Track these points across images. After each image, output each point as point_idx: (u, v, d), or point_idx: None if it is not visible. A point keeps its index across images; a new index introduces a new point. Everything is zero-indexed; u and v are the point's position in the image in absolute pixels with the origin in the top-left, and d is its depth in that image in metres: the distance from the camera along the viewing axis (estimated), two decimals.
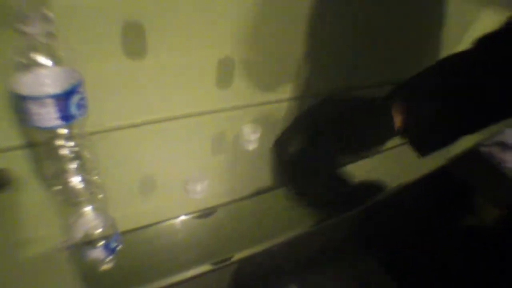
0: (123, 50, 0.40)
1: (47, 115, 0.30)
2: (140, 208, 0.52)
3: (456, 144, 0.81)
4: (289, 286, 0.97)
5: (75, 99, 0.31)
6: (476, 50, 0.41)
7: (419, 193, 0.77)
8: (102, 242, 0.41)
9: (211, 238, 0.51)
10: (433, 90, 0.41)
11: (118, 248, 0.44)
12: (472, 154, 0.83)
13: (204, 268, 0.48)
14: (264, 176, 0.60)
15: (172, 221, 0.53)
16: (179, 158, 0.52)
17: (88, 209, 0.40)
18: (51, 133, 0.34)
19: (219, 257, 0.49)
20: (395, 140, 0.75)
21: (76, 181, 0.37)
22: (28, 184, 0.40)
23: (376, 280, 1.06)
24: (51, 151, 0.36)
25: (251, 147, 0.50)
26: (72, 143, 0.35)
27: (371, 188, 0.65)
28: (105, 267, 0.43)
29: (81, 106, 0.32)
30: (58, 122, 0.31)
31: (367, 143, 0.45)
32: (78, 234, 0.40)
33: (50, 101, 0.30)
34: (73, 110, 0.31)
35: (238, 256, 0.50)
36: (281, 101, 0.56)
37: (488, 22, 0.71)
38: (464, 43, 0.46)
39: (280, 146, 0.53)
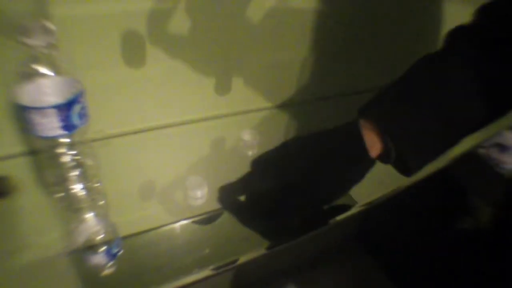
0: (123, 59, 0.41)
1: (49, 125, 0.30)
2: (140, 213, 0.52)
3: (455, 147, 0.82)
4: (289, 287, 0.97)
5: (76, 108, 0.32)
6: (448, 49, 0.37)
7: (418, 195, 0.77)
8: (103, 248, 0.41)
9: (211, 242, 0.52)
10: (409, 101, 0.35)
11: (119, 253, 0.44)
12: (470, 156, 0.83)
13: (205, 272, 0.48)
14: None
15: (171, 226, 0.53)
16: (179, 164, 0.52)
17: (89, 215, 0.40)
18: (53, 141, 0.34)
19: (219, 262, 0.49)
20: None
21: (77, 188, 0.37)
22: (30, 190, 0.41)
23: (374, 280, 1.07)
24: (53, 159, 0.36)
25: (251, 152, 0.50)
26: (73, 152, 0.35)
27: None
28: (106, 272, 0.43)
29: (82, 115, 0.33)
30: (60, 131, 0.31)
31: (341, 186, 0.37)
32: (80, 240, 0.41)
33: (52, 111, 0.30)
34: (75, 119, 0.32)
35: (238, 260, 0.50)
36: (279, 106, 0.56)
37: None
38: None
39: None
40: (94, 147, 0.41)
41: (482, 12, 0.36)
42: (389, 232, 1.09)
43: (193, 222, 0.54)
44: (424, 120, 0.34)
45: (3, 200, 0.40)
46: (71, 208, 0.39)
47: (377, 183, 0.67)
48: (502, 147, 1.04)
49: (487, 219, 0.97)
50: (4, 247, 0.42)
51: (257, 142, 0.50)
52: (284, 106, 0.57)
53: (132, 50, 0.41)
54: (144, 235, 0.50)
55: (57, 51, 0.32)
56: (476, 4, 0.37)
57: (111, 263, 0.43)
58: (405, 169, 0.37)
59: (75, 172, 0.37)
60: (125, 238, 0.48)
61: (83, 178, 0.37)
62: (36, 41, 0.30)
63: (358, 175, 0.37)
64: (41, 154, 0.37)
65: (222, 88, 0.50)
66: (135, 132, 0.46)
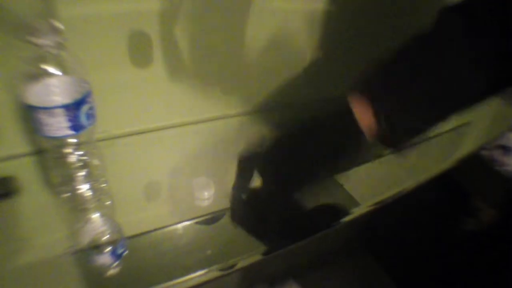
0: (129, 59, 0.41)
1: (57, 125, 0.30)
2: (144, 213, 0.52)
3: (457, 148, 0.82)
4: (293, 287, 0.97)
5: (84, 108, 0.32)
6: (439, 26, 0.37)
7: (421, 196, 0.77)
8: (108, 248, 0.41)
9: (214, 243, 0.52)
10: (400, 75, 0.36)
11: (124, 254, 0.44)
12: (473, 158, 0.83)
13: (208, 273, 0.48)
14: None
15: (175, 226, 0.53)
16: (184, 165, 0.52)
17: (95, 215, 0.40)
18: (60, 141, 0.34)
19: (223, 262, 0.49)
20: None
21: (84, 188, 0.37)
22: (36, 190, 0.41)
23: (378, 281, 1.07)
24: (59, 159, 0.36)
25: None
26: (80, 152, 0.35)
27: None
28: (111, 272, 0.43)
29: (90, 115, 0.33)
30: (68, 131, 0.31)
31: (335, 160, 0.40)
32: (85, 240, 0.41)
33: (60, 111, 0.30)
34: (83, 119, 0.32)
35: (242, 261, 0.50)
36: (286, 107, 0.56)
37: None
38: None
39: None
40: (100, 147, 0.41)
41: None
42: (392, 233, 1.09)
43: (196, 222, 0.54)
44: (415, 98, 0.35)
45: (8, 200, 0.40)
46: (77, 208, 0.39)
47: (381, 185, 0.67)
48: (505, 149, 1.04)
49: (490, 221, 0.97)
50: (9, 247, 0.42)
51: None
52: (290, 106, 0.57)
53: (139, 51, 0.41)
54: (148, 236, 0.50)
55: (65, 51, 0.31)
56: None
57: (116, 263, 0.43)
58: (393, 146, 0.38)
59: (82, 172, 0.37)
60: (129, 238, 0.48)
61: (90, 178, 0.37)
62: (45, 41, 0.30)
63: (351, 156, 0.40)
64: (47, 154, 0.37)
65: (229, 88, 0.50)
66: (141, 133, 0.46)
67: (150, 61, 0.42)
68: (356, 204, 0.61)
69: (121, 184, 0.46)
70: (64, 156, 0.35)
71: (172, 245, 0.50)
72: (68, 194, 0.38)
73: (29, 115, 0.31)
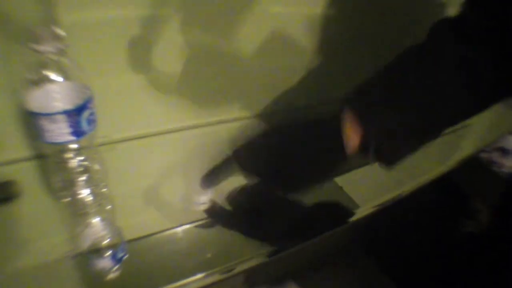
0: (129, 64, 0.41)
1: (59, 131, 0.31)
2: (143, 217, 0.52)
3: (457, 151, 0.82)
4: None
5: (86, 114, 0.32)
6: (433, 41, 0.36)
7: (421, 199, 0.77)
8: (109, 252, 0.41)
9: (214, 246, 0.52)
10: (392, 92, 0.35)
11: (124, 257, 0.44)
12: (472, 160, 0.83)
13: (208, 276, 0.48)
14: None
15: (175, 230, 0.53)
16: (183, 169, 0.52)
17: (96, 220, 0.40)
18: (61, 147, 0.34)
19: (223, 265, 0.50)
20: None
21: (85, 193, 0.37)
22: (36, 195, 0.41)
23: (378, 283, 1.07)
24: (60, 164, 0.36)
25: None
26: (81, 157, 0.36)
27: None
28: (111, 276, 0.43)
29: (91, 121, 0.33)
30: (70, 137, 0.31)
31: (318, 174, 0.38)
32: (85, 244, 0.41)
33: (61, 117, 0.30)
34: (84, 125, 0.32)
35: (242, 264, 0.50)
36: (284, 111, 0.57)
37: None
38: None
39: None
40: (100, 151, 0.41)
41: (467, 5, 0.36)
42: (392, 235, 1.09)
43: (196, 226, 0.54)
44: (405, 112, 0.34)
45: (9, 204, 0.40)
46: (78, 212, 0.39)
47: (380, 187, 0.67)
48: (505, 151, 1.05)
49: (489, 223, 0.97)
50: (10, 250, 0.42)
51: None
52: (290, 110, 0.57)
53: (138, 56, 0.41)
54: (148, 239, 0.51)
55: (67, 57, 0.32)
56: None
57: (116, 267, 0.43)
58: (385, 162, 0.37)
59: (82, 177, 0.37)
60: (129, 241, 0.48)
61: (90, 183, 0.38)
62: (46, 48, 0.30)
63: (330, 168, 0.39)
64: (48, 159, 0.38)
65: (228, 93, 0.50)
66: (140, 137, 0.46)
67: (149, 66, 0.42)
68: (356, 206, 0.61)
69: (121, 188, 0.46)
70: (65, 161, 0.36)
71: (172, 248, 0.50)
72: (69, 199, 0.38)
73: (31, 121, 0.31)
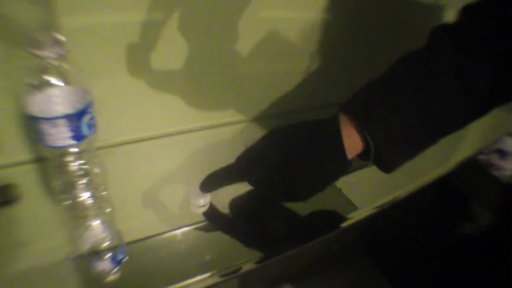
0: (128, 68, 0.41)
1: (59, 135, 0.31)
2: (142, 220, 0.53)
3: (455, 152, 0.82)
4: None
5: (86, 118, 0.32)
6: (431, 48, 0.36)
7: (419, 201, 0.77)
8: (108, 255, 0.42)
9: (213, 248, 0.52)
10: (390, 99, 0.35)
11: (124, 260, 0.44)
12: (470, 162, 0.83)
13: (207, 278, 0.49)
14: None
15: (174, 232, 0.53)
16: (182, 172, 0.53)
17: (96, 222, 0.40)
18: (62, 151, 0.35)
19: (222, 268, 0.50)
20: None
21: (85, 196, 0.38)
22: (36, 198, 0.41)
23: (376, 286, 1.07)
24: (60, 167, 0.36)
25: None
26: (81, 160, 0.36)
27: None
28: (111, 278, 0.43)
29: (91, 125, 0.33)
30: (70, 141, 0.32)
31: (317, 180, 0.37)
32: (85, 247, 0.41)
33: (62, 122, 0.31)
34: (85, 129, 0.32)
35: (240, 266, 0.50)
36: (281, 115, 0.57)
37: None
38: None
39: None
40: (100, 154, 0.41)
41: (465, 12, 0.36)
42: (391, 237, 1.09)
43: (195, 228, 0.54)
44: (404, 118, 0.34)
45: (9, 207, 0.40)
46: (78, 215, 0.39)
47: (379, 189, 0.67)
48: (503, 153, 1.05)
49: (488, 225, 0.98)
50: (9, 253, 0.42)
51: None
52: (285, 114, 0.57)
53: (137, 60, 0.41)
54: (147, 241, 0.51)
55: (67, 62, 0.32)
56: None
57: (116, 269, 0.43)
58: (384, 167, 0.37)
59: (83, 181, 0.37)
60: (128, 244, 0.48)
61: (90, 186, 0.38)
62: (47, 53, 0.30)
63: (334, 175, 0.37)
64: (49, 162, 0.38)
65: (227, 96, 0.50)
66: (139, 141, 0.47)
67: (148, 70, 0.42)
68: (354, 208, 0.61)
69: (120, 191, 0.46)
70: (65, 164, 0.36)
71: (171, 250, 0.50)
72: (69, 202, 0.38)
73: (32, 125, 0.31)
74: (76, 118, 0.31)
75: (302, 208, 0.52)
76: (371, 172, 0.70)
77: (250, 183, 0.40)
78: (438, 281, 0.99)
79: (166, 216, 0.53)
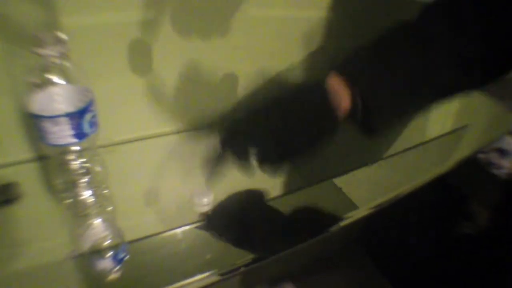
0: (129, 67, 0.41)
1: (61, 133, 0.31)
2: (144, 218, 0.53)
3: (455, 151, 0.82)
4: None
5: (88, 117, 0.32)
6: (424, 19, 0.37)
7: (418, 200, 0.77)
8: (110, 253, 0.42)
9: (214, 247, 0.52)
10: (381, 62, 0.36)
11: (125, 258, 0.44)
12: (470, 161, 0.84)
13: (207, 277, 0.49)
14: (266, 186, 0.61)
15: (175, 231, 0.53)
16: (184, 170, 0.53)
17: (97, 221, 0.41)
18: (63, 149, 0.35)
19: (223, 266, 0.50)
20: (393, 148, 0.77)
21: (86, 194, 0.38)
22: (38, 196, 0.42)
23: (376, 285, 1.07)
24: (62, 166, 0.37)
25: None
26: (83, 159, 0.36)
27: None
28: (112, 277, 0.43)
29: (93, 123, 0.33)
30: (72, 139, 0.32)
31: (310, 137, 0.38)
32: (87, 245, 0.41)
33: (64, 120, 0.31)
34: (86, 127, 0.32)
35: (241, 265, 0.51)
36: None
37: None
38: None
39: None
40: (101, 153, 0.41)
41: None
42: (390, 236, 1.10)
43: (195, 227, 0.54)
44: (392, 81, 0.35)
45: (11, 206, 0.40)
46: (79, 214, 0.39)
47: (379, 188, 0.68)
48: (503, 152, 1.05)
49: (487, 224, 0.98)
50: (11, 251, 0.42)
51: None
52: None
53: (139, 59, 0.41)
54: (148, 240, 0.51)
55: (69, 60, 0.32)
56: None
57: (117, 268, 0.43)
58: (369, 127, 0.38)
59: (84, 179, 0.37)
60: (129, 242, 0.48)
61: (92, 184, 0.38)
62: (49, 52, 0.30)
63: (325, 129, 0.38)
64: (50, 160, 0.38)
65: (229, 94, 0.51)
66: (141, 139, 0.47)
67: (149, 69, 0.42)
68: (354, 207, 0.61)
69: (122, 190, 0.46)
70: (67, 163, 0.36)
71: (172, 249, 0.50)
72: (70, 200, 0.38)
73: (33, 124, 0.31)
74: (77, 116, 0.31)
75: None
76: (371, 172, 0.71)
77: (248, 144, 0.39)
78: (438, 280, 0.99)
79: (167, 215, 0.53)
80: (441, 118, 0.95)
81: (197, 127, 0.52)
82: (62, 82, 0.32)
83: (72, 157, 0.36)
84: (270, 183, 0.61)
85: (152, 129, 0.47)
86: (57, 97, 0.31)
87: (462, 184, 1.06)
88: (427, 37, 0.36)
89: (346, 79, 0.36)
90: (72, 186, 0.37)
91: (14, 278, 0.42)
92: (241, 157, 0.39)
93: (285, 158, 0.38)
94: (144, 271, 0.47)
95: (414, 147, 0.81)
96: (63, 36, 0.31)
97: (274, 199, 0.62)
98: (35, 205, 0.42)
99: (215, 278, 0.49)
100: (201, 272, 0.48)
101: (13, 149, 0.40)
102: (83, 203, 0.38)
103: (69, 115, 0.31)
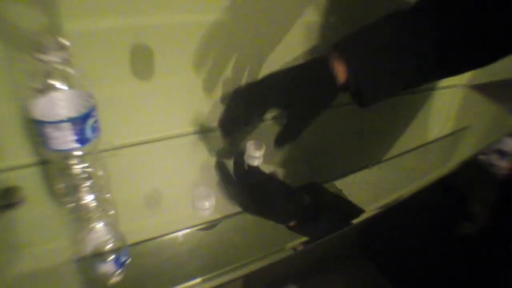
0: (132, 72, 0.41)
1: (64, 139, 0.31)
2: (146, 221, 0.53)
3: (455, 153, 0.83)
4: None
5: (90, 122, 0.32)
6: (418, 8, 0.42)
7: (419, 201, 0.77)
8: (112, 257, 0.42)
9: (216, 250, 0.52)
10: (374, 40, 0.41)
11: (127, 261, 0.45)
12: (471, 163, 0.84)
13: (210, 280, 0.49)
14: None
15: (177, 234, 0.53)
16: (185, 174, 0.53)
17: (99, 225, 0.41)
18: (66, 154, 0.35)
19: (224, 269, 0.50)
20: (394, 150, 0.77)
21: (88, 199, 0.38)
22: (40, 200, 0.42)
23: (376, 286, 1.07)
24: (64, 170, 0.37)
25: (256, 162, 0.51)
26: (85, 164, 0.36)
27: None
28: (114, 280, 0.43)
29: (95, 128, 0.34)
30: (74, 145, 0.32)
31: (311, 103, 0.43)
32: (89, 249, 0.41)
33: (66, 125, 0.31)
34: (89, 133, 0.32)
35: (242, 268, 0.51)
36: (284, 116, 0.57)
37: None
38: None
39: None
40: (103, 157, 0.41)
41: None
42: (391, 238, 1.10)
43: (198, 229, 0.54)
44: (383, 61, 0.40)
45: (13, 210, 0.40)
46: (81, 218, 0.40)
47: (380, 190, 0.68)
48: (503, 154, 1.05)
49: (487, 225, 0.98)
50: (14, 255, 0.42)
51: (263, 153, 0.51)
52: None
53: (141, 64, 0.42)
54: (149, 243, 0.51)
55: (71, 66, 0.32)
56: None
57: (119, 271, 0.43)
58: (361, 101, 0.43)
59: (86, 183, 0.37)
60: (131, 245, 0.49)
61: (94, 189, 0.38)
62: (51, 58, 0.31)
63: (326, 102, 0.43)
64: (52, 165, 0.38)
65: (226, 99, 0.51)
66: (142, 143, 0.47)
67: (151, 73, 0.43)
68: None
69: (123, 193, 0.46)
70: (69, 167, 0.36)
71: (174, 252, 0.50)
72: (73, 205, 0.38)
73: (36, 129, 0.31)
74: (80, 122, 0.31)
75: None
76: (372, 173, 0.71)
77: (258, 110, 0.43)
78: (439, 280, 0.99)
79: (168, 218, 0.53)
80: (441, 120, 0.95)
81: (201, 131, 0.52)
82: (65, 87, 0.32)
83: (74, 161, 0.36)
84: None
85: (154, 133, 0.48)
86: (60, 103, 0.32)
87: (463, 185, 1.06)
88: (420, 23, 0.39)
89: (342, 55, 0.41)
90: (74, 190, 0.37)
91: (17, 281, 0.42)
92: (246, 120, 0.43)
93: (290, 122, 0.43)
94: (147, 274, 0.47)
95: (415, 149, 0.81)
96: (65, 41, 0.31)
97: None
98: (37, 209, 0.42)
99: (217, 281, 0.49)
100: (203, 274, 0.48)
101: (15, 153, 0.40)
102: (85, 207, 0.38)
103: (71, 120, 0.31)
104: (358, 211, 0.60)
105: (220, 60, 0.47)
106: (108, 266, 0.42)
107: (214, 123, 0.51)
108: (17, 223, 0.41)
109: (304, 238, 0.53)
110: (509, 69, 1.03)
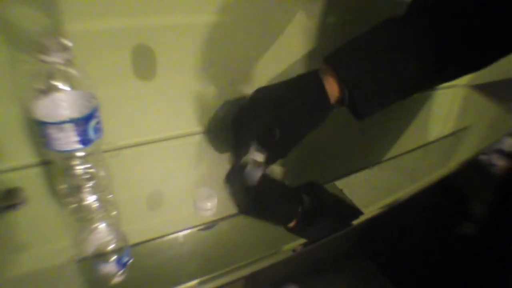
0: (134, 73, 0.41)
1: (66, 139, 0.31)
2: (148, 222, 0.53)
3: (456, 153, 0.83)
4: None
5: (93, 123, 0.32)
6: (408, 17, 0.41)
7: (420, 201, 0.78)
8: (114, 257, 0.42)
9: (217, 250, 0.52)
10: (366, 55, 0.40)
11: (129, 262, 0.45)
12: (471, 162, 0.84)
13: (210, 280, 0.49)
14: None
15: (178, 234, 0.53)
16: (187, 175, 0.53)
17: (101, 225, 0.41)
18: (68, 154, 0.35)
19: (226, 269, 0.50)
20: (394, 150, 0.77)
21: (90, 199, 0.38)
22: (42, 200, 0.42)
23: (377, 286, 1.07)
24: (66, 171, 0.37)
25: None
26: (87, 164, 0.36)
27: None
28: (116, 280, 0.44)
29: (98, 129, 0.34)
30: (77, 145, 0.32)
31: (303, 122, 0.42)
32: (91, 249, 0.41)
33: (69, 126, 0.31)
34: (91, 133, 0.32)
35: (243, 269, 0.51)
36: None
37: None
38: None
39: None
40: (105, 158, 0.41)
41: None
42: (392, 238, 1.10)
43: (199, 230, 0.54)
44: (376, 73, 0.39)
45: (15, 211, 0.40)
46: (83, 218, 0.40)
47: (381, 191, 0.68)
48: (503, 153, 1.05)
49: (488, 224, 0.98)
50: (16, 255, 0.42)
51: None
52: None
53: (143, 64, 0.42)
54: (151, 243, 0.51)
55: (74, 66, 0.32)
56: None
57: (121, 271, 0.43)
58: (357, 114, 0.42)
59: (88, 184, 0.37)
60: (133, 246, 0.49)
61: (96, 189, 0.38)
62: (54, 58, 0.30)
63: (318, 119, 0.42)
64: (54, 166, 0.38)
65: (232, 99, 0.51)
66: (144, 144, 0.47)
67: (153, 74, 0.43)
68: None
69: (125, 194, 0.47)
70: (71, 168, 0.36)
71: (175, 252, 0.50)
72: (75, 205, 0.38)
73: (38, 130, 0.31)
74: (83, 123, 0.31)
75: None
76: (373, 174, 0.71)
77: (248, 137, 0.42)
78: (439, 280, 0.99)
79: (170, 218, 0.53)
80: (442, 120, 0.96)
81: (201, 131, 0.52)
82: (67, 88, 0.32)
83: (76, 162, 0.36)
84: None
85: (157, 134, 0.48)
86: (62, 103, 0.31)
87: (463, 185, 1.06)
88: (409, 32, 0.39)
89: (335, 70, 0.40)
90: (76, 191, 0.37)
91: (19, 281, 0.42)
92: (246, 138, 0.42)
93: (284, 140, 0.42)
94: (148, 274, 0.47)
95: (416, 149, 0.81)
96: (67, 42, 0.31)
97: None
98: (39, 210, 0.42)
99: (218, 281, 0.49)
100: (204, 275, 0.48)
101: (17, 154, 0.40)
102: (87, 208, 0.38)
103: (74, 121, 0.31)
104: (357, 213, 0.59)
105: (220, 60, 0.47)
106: (110, 267, 0.42)
107: (216, 123, 0.51)
108: (19, 223, 0.41)
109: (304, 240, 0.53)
110: (509, 69, 1.03)
